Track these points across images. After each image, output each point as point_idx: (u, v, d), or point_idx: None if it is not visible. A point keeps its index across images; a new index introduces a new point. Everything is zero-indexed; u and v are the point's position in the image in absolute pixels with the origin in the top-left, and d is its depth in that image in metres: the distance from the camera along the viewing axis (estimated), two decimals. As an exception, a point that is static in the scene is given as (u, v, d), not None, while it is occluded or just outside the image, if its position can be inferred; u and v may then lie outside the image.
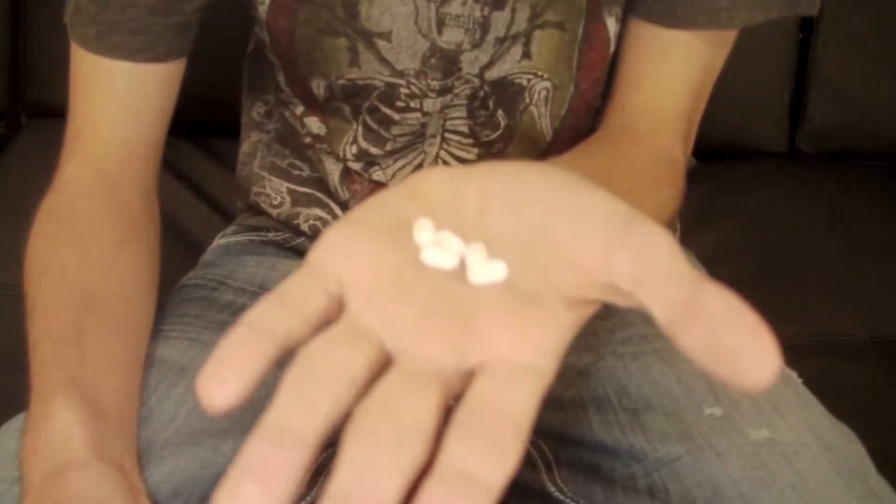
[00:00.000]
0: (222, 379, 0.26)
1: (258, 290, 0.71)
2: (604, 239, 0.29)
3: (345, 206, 0.75)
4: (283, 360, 0.28)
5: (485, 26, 0.65)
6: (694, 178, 0.70)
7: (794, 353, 0.49)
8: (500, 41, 0.66)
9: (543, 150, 0.72)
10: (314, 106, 0.71)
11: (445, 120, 0.69)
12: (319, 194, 0.76)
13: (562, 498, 0.60)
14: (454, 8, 0.64)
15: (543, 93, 0.69)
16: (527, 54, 0.67)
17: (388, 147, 0.71)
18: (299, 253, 0.77)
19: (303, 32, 0.66)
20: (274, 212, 0.78)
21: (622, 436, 0.59)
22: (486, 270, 0.30)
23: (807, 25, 1.23)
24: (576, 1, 0.65)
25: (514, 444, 0.25)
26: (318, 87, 0.69)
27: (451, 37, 0.65)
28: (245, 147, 0.81)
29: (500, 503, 0.24)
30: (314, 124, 0.73)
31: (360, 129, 0.71)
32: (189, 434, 0.57)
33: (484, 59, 0.66)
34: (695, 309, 0.26)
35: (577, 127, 0.71)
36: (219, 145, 1.16)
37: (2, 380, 0.75)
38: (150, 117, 0.67)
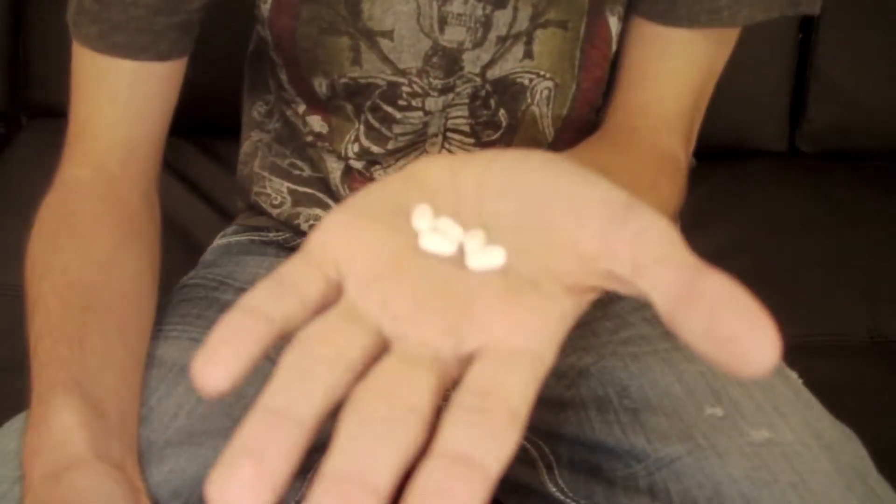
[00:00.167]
0: (217, 361, 0.26)
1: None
2: (602, 225, 0.29)
3: (345, 206, 0.75)
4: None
5: (486, 25, 0.65)
6: (694, 178, 0.70)
7: (794, 353, 0.49)
8: (502, 40, 0.65)
9: (545, 149, 0.72)
10: (316, 104, 0.71)
11: (447, 119, 0.69)
12: (320, 194, 0.76)
13: (562, 498, 0.60)
14: (456, 7, 0.64)
15: (545, 92, 0.69)
16: (528, 54, 0.66)
17: (390, 146, 0.71)
18: (300, 253, 0.77)
19: (305, 31, 0.66)
20: (274, 212, 0.78)
21: (623, 436, 0.59)
22: (485, 256, 0.30)
23: (807, 25, 1.23)
24: None
25: (511, 429, 0.25)
26: (321, 85, 0.69)
27: (452, 35, 0.65)
28: (246, 147, 0.81)
29: (500, 503, 0.24)
30: (316, 123, 0.73)
31: (362, 127, 0.71)
32: (190, 434, 0.57)
33: (486, 58, 0.66)
34: (694, 294, 0.26)
35: (579, 126, 0.71)
36: (219, 145, 1.16)
37: (2, 380, 0.75)
38: (151, 116, 0.67)
